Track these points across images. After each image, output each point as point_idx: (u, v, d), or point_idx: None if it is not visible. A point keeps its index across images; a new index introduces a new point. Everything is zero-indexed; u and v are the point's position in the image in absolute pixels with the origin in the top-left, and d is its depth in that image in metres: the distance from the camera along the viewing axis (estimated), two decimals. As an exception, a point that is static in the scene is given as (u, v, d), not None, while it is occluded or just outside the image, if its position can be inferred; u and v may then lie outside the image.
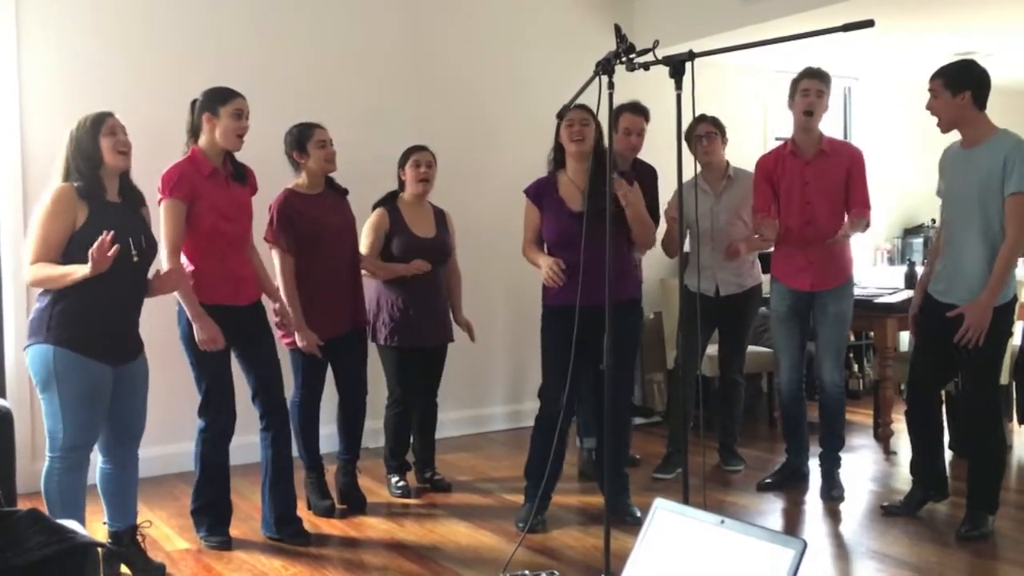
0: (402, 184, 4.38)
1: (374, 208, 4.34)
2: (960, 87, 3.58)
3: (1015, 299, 3.69)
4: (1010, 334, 3.76)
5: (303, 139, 3.94)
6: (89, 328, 3.08)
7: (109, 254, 2.92)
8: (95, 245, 2.90)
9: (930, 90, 3.66)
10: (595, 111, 2.82)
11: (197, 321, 3.43)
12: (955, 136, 3.75)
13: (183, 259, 3.48)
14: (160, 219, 3.45)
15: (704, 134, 4.48)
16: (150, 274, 3.32)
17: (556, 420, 3.75)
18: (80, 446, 3.14)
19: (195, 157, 3.52)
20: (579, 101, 3.09)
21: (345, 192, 4.13)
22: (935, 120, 3.68)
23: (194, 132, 3.55)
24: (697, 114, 4.16)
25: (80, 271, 2.95)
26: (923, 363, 3.88)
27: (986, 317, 3.52)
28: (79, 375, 3.07)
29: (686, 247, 4.39)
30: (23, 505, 2.34)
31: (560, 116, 3.67)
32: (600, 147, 3.75)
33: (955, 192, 3.68)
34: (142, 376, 3.33)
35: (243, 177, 3.66)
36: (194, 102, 3.56)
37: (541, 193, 3.84)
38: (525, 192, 3.90)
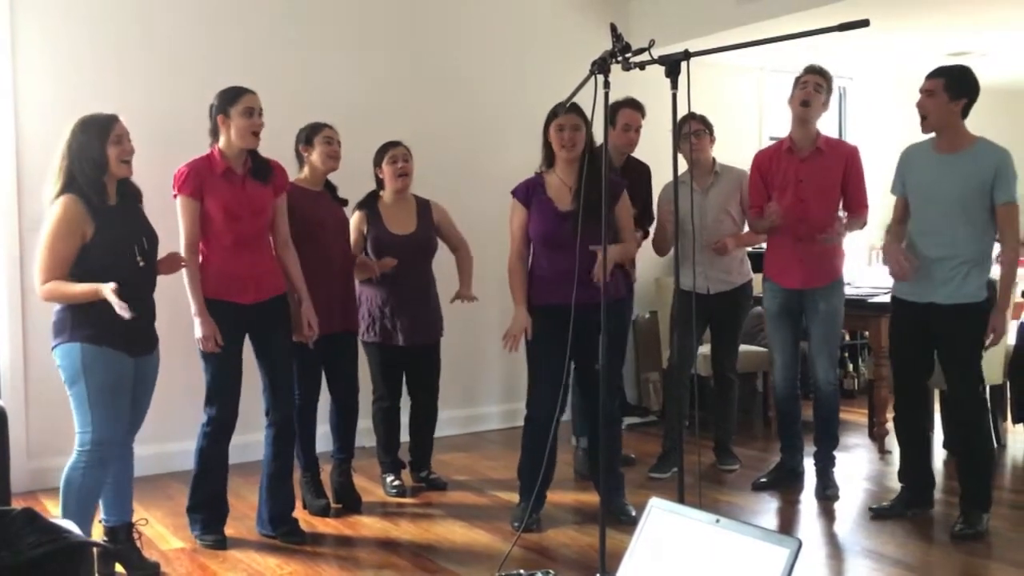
0: (380, 183, 4.35)
1: (355, 210, 4.33)
2: (960, 94, 3.60)
3: (990, 299, 3.74)
4: (984, 332, 3.77)
5: (312, 134, 4.01)
6: (110, 323, 3.11)
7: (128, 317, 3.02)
8: (117, 307, 2.97)
9: (927, 89, 3.63)
10: (591, 110, 2.82)
11: (198, 317, 3.47)
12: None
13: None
14: (177, 215, 3.52)
15: (693, 131, 4.45)
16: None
17: (546, 421, 3.76)
18: (107, 440, 3.17)
19: (211, 156, 3.58)
20: (574, 100, 3.09)
21: (344, 203, 4.16)
22: (920, 119, 3.67)
23: (214, 133, 3.59)
24: (686, 113, 4.16)
25: (104, 294, 3.01)
26: (905, 366, 3.91)
27: (1005, 321, 3.70)
28: (104, 367, 3.13)
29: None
30: (17, 505, 2.34)
31: (555, 114, 3.68)
32: (591, 149, 3.75)
33: (935, 196, 3.70)
34: (153, 371, 3.37)
35: (265, 175, 3.65)
36: (212, 106, 3.59)
37: (530, 193, 3.82)
38: (513, 193, 3.86)
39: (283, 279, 3.74)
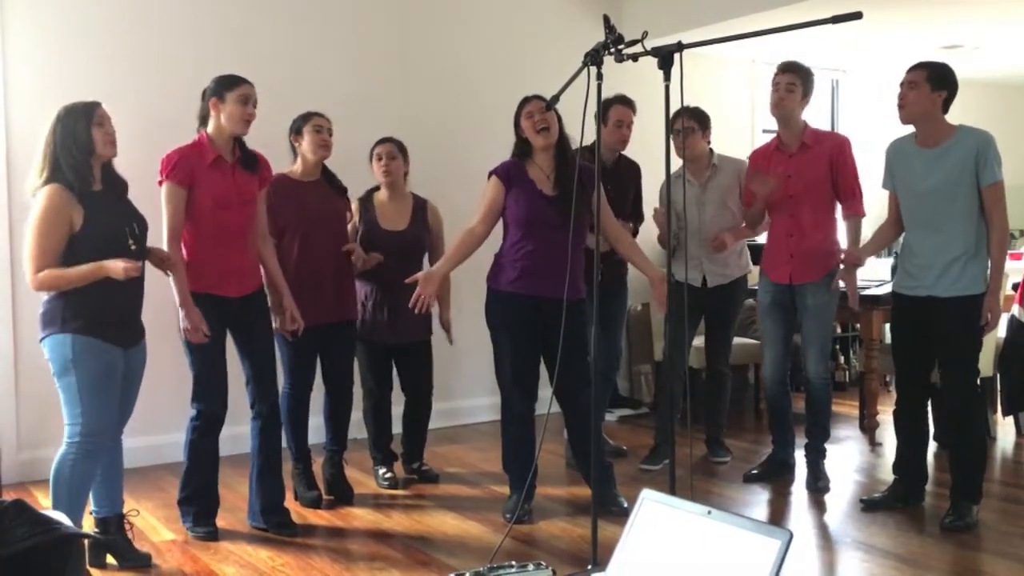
0: None
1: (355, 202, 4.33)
2: (941, 85, 3.65)
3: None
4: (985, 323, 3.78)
5: (302, 123, 4.01)
6: (100, 314, 3.12)
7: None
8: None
9: (910, 80, 3.68)
10: (583, 103, 2.81)
11: (183, 308, 3.45)
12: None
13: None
14: (162, 202, 3.48)
15: (681, 129, 4.36)
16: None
17: (527, 413, 3.75)
18: (98, 431, 3.16)
19: (200, 143, 3.54)
20: (562, 92, 3.08)
21: (344, 190, 4.15)
22: (897, 108, 3.71)
23: (203, 119, 3.57)
24: (680, 107, 4.15)
25: (111, 271, 3.02)
26: (907, 361, 3.92)
27: (999, 304, 3.70)
28: (95, 358, 3.12)
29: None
30: (8, 496, 2.33)
31: (548, 108, 3.68)
32: (564, 136, 3.75)
33: (925, 191, 3.71)
34: (141, 363, 3.36)
35: (252, 165, 3.64)
36: (205, 90, 3.57)
37: (511, 174, 3.79)
38: (494, 172, 3.81)
39: (261, 272, 3.74)
